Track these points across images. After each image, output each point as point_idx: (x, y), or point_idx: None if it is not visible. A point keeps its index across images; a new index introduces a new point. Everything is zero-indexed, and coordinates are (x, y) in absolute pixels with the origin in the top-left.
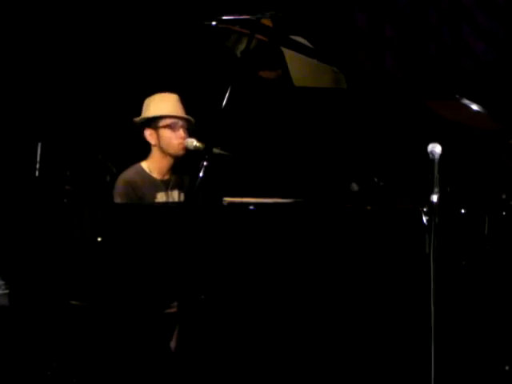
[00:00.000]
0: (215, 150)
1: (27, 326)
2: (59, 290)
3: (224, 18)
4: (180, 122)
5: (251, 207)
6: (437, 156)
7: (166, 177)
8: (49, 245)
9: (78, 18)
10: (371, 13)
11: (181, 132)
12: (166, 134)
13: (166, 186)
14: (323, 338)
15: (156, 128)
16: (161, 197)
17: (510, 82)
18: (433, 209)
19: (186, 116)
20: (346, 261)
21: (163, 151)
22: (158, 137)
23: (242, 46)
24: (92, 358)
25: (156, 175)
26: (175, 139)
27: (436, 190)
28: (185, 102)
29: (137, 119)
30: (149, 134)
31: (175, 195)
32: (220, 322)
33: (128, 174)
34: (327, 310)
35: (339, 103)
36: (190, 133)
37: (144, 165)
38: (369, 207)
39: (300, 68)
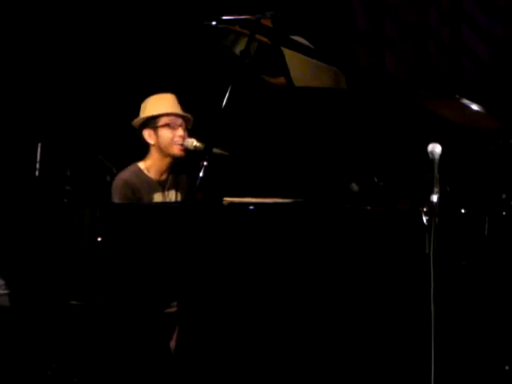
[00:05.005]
0: (215, 150)
1: (27, 326)
2: (59, 289)
3: (224, 18)
4: (179, 121)
5: (251, 207)
6: (437, 156)
7: (163, 177)
8: (49, 245)
9: (77, 19)
10: (371, 13)
11: (180, 131)
12: (164, 133)
13: (162, 186)
14: (323, 338)
15: (155, 128)
16: (157, 197)
17: (509, 83)
18: (433, 209)
19: (183, 113)
20: (346, 261)
21: (162, 151)
22: (157, 136)
23: (241, 46)
24: (92, 358)
25: (153, 175)
26: (174, 138)
27: (436, 189)
28: (185, 102)
29: (135, 121)
30: (148, 135)
31: (172, 195)
32: (220, 322)
33: (126, 174)
34: (327, 310)
35: (339, 103)
36: (190, 133)
37: (141, 165)
38: (369, 207)
39: (300, 68)
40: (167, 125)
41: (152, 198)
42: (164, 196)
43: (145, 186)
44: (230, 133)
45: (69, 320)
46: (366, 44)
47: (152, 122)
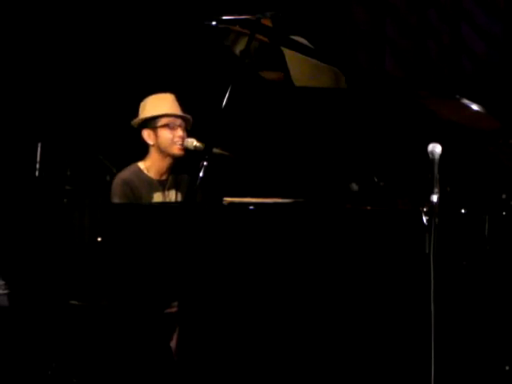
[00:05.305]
0: (215, 150)
1: (27, 327)
2: (59, 289)
3: (224, 18)
4: (178, 122)
5: (251, 207)
6: (437, 156)
7: (164, 177)
8: (49, 245)
9: (77, 18)
10: (371, 12)
11: (179, 131)
12: (164, 133)
13: (162, 186)
14: (324, 338)
15: (154, 128)
16: (157, 197)
17: (509, 82)
18: (433, 209)
19: (183, 114)
20: (347, 261)
21: (162, 151)
22: (157, 137)
23: (241, 46)
24: (92, 358)
25: (153, 175)
26: (174, 138)
27: (436, 190)
28: (185, 102)
29: (134, 121)
30: (147, 135)
31: (172, 195)
32: (220, 322)
33: (125, 173)
34: (328, 310)
35: (339, 103)
36: (189, 133)
37: (141, 165)
38: (369, 207)
39: (300, 68)
40: (166, 125)
41: (152, 198)
42: (164, 196)
43: (145, 185)
44: (230, 133)
45: (69, 320)
46: (366, 44)
47: (151, 122)
